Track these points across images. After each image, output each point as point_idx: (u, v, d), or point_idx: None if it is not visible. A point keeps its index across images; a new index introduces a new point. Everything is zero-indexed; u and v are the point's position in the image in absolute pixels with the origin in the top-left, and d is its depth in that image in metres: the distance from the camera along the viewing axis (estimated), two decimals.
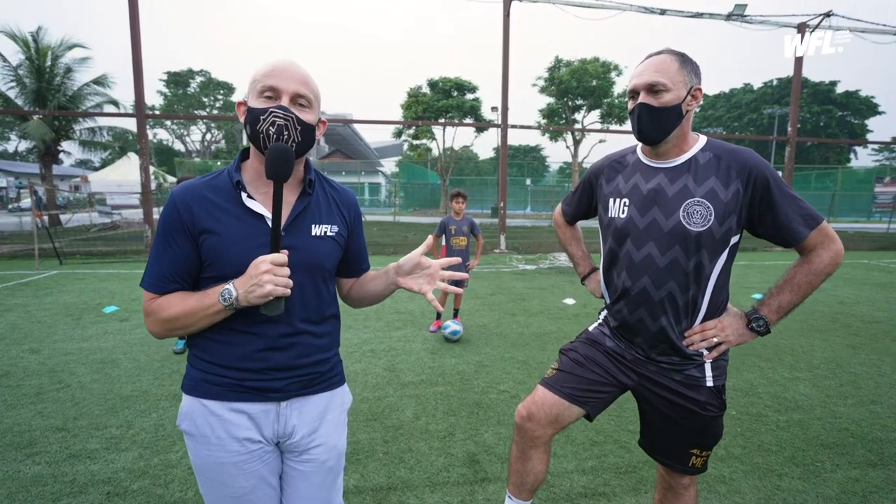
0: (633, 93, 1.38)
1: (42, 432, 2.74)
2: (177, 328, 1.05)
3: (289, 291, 1.01)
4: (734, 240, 1.37)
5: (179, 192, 1.07)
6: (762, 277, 8.39)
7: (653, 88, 1.33)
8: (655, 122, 1.35)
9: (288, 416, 1.14)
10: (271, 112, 1.00)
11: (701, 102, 1.38)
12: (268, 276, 0.98)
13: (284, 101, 1.02)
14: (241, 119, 1.08)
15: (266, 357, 1.09)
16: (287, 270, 1.01)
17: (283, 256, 1.00)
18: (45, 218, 11.78)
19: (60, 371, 3.69)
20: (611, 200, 1.51)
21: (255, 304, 1.00)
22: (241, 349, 1.08)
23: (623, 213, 1.45)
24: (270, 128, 1.00)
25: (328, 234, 1.15)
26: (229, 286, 1.00)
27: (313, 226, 1.13)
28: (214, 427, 1.08)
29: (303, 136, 1.05)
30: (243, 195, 1.07)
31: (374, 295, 1.29)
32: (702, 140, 1.42)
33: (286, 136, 1.02)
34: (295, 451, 1.17)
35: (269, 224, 1.06)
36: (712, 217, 1.31)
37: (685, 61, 1.35)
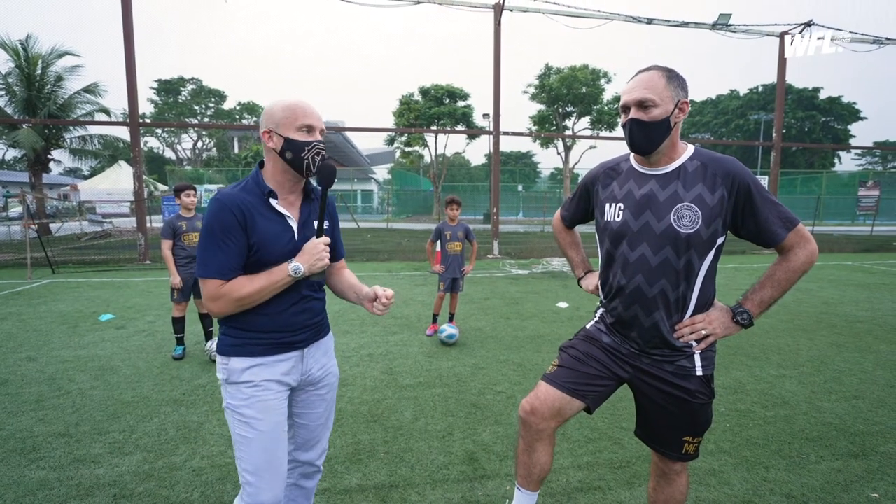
0: (625, 108, 1.49)
1: (45, 438, 2.76)
2: (247, 304, 1.36)
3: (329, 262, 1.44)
4: (720, 240, 1.48)
5: (229, 198, 1.35)
6: (751, 280, 8.56)
7: (642, 104, 1.43)
8: (646, 135, 1.45)
9: (308, 358, 1.53)
10: (314, 145, 1.41)
11: (687, 114, 1.49)
12: (325, 252, 1.41)
13: (317, 135, 1.42)
14: (270, 143, 1.41)
15: (292, 320, 1.47)
16: (328, 249, 1.43)
17: (328, 239, 1.43)
18: (34, 227, 11.67)
19: (59, 378, 3.71)
20: (607, 205, 1.61)
21: (314, 273, 1.41)
22: (278, 318, 1.44)
23: (618, 216, 1.55)
24: (316, 156, 1.41)
25: (325, 227, 1.50)
26: (296, 263, 1.38)
27: (314, 222, 1.49)
28: (258, 374, 1.42)
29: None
30: (273, 201, 1.41)
31: (346, 298, 1.66)
32: (690, 149, 1.52)
33: (321, 158, 1.43)
34: (314, 382, 1.57)
35: (290, 222, 1.44)
36: (700, 220, 1.42)
37: (672, 77, 1.45)
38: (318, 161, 1.41)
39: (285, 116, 1.39)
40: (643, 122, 1.44)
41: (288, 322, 1.46)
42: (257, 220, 1.36)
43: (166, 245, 4.10)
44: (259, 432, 1.40)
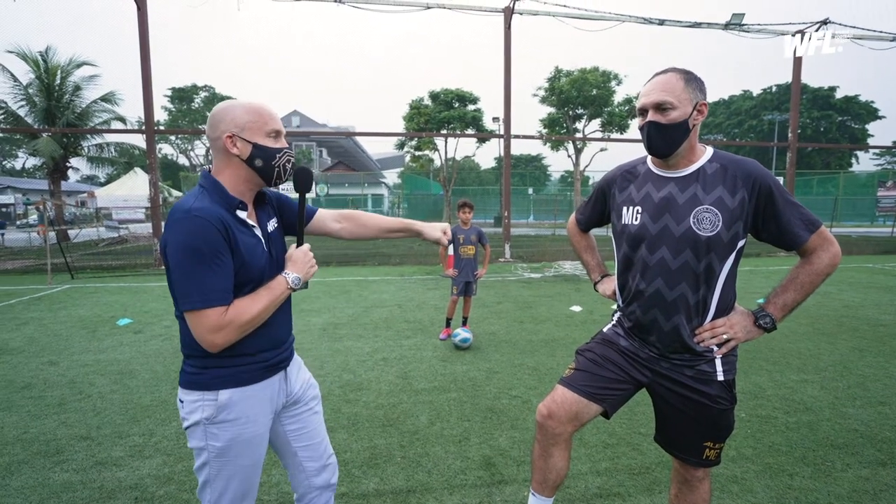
0: (643, 111, 1.48)
1: (68, 441, 2.81)
2: (252, 326, 1.24)
3: None
4: (741, 243, 1.46)
5: (209, 213, 1.17)
6: (767, 282, 8.42)
7: (660, 107, 1.42)
8: (664, 138, 1.44)
9: (290, 376, 1.46)
10: (286, 152, 1.33)
11: (706, 116, 1.47)
12: (313, 259, 1.39)
13: (284, 142, 1.33)
14: (234, 150, 1.26)
15: (280, 336, 1.39)
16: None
17: (308, 245, 1.40)
18: (52, 234, 11.92)
19: (80, 382, 3.77)
20: (624, 208, 1.59)
21: (306, 280, 1.35)
22: (269, 335, 1.34)
23: (636, 220, 1.54)
24: (287, 164, 1.34)
25: (274, 226, 1.42)
26: (293, 275, 1.33)
27: (268, 224, 1.40)
28: (254, 406, 1.31)
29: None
30: (242, 213, 1.29)
31: (391, 236, 1.67)
32: (709, 151, 1.51)
33: (292, 165, 1.37)
34: (300, 401, 1.49)
35: (258, 233, 1.32)
36: (720, 223, 1.40)
37: (690, 79, 1.44)
38: (288, 168, 1.34)
39: (252, 120, 1.26)
40: (661, 125, 1.43)
41: (277, 339, 1.37)
42: (238, 236, 1.22)
43: None
44: (241, 467, 1.30)
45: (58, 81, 17.02)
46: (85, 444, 2.77)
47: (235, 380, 1.27)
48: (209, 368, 1.25)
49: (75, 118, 17.32)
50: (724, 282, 1.46)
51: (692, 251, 1.43)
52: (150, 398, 3.45)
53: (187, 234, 1.13)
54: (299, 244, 1.39)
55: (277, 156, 1.30)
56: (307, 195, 1.43)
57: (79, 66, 17.28)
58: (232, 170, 1.28)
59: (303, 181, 1.38)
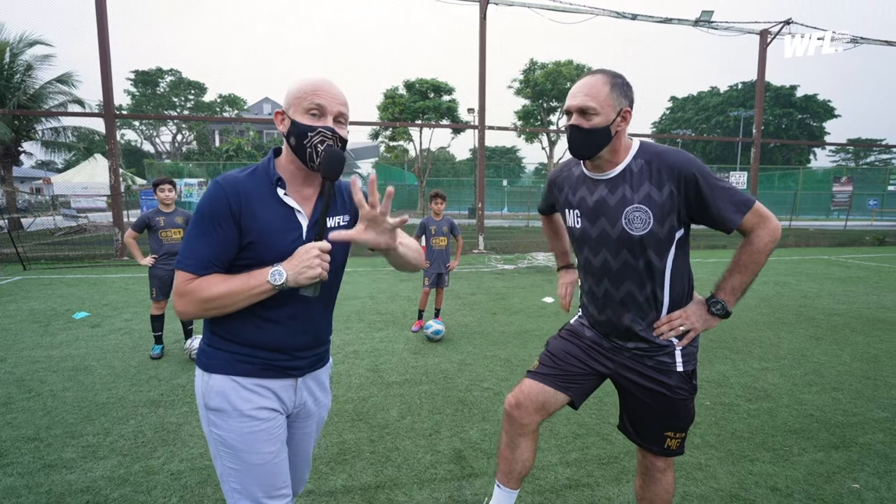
0: (568, 112, 1.48)
1: (13, 443, 2.64)
2: (214, 308, 1.12)
3: (327, 275, 1.14)
4: (679, 235, 1.46)
5: (226, 181, 1.15)
6: None
7: (583, 111, 1.43)
8: (586, 142, 1.45)
9: (303, 389, 1.31)
10: (319, 132, 1.15)
11: (630, 122, 1.46)
12: (318, 259, 1.10)
13: (329, 121, 1.17)
14: (280, 127, 1.20)
15: (294, 340, 1.24)
16: (328, 256, 1.13)
17: (327, 244, 1.13)
18: (2, 222, 11.20)
19: (29, 380, 3.56)
20: (566, 210, 1.62)
21: (302, 286, 1.11)
22: (275, 334, 1.21)
23: (577, 223, 1.57)
24: (319, 145, 1.16)
25: (341, 224, 1.28)
26: (279, 268, 1.10)
27: (328, 218, 1.24)
28: (248, 399, 1.20)
29: (342, 149, 1.21)
30: (281, 191, 1.18)
31: (407, 262, 1.32)
32: (634, 146, 1.49)
33: (325, 147, 1.17)
34: (302, 414, 1.35)
35: (300, 217, 1.19)
36: (651, 220, 1.41)
37: (616, 84, 1.42)
38: (320, 151, 1.16)
39: (296, 96, 1.16)
40: (583, 129, 1.44)
41: (284, 341, 1.22)
42: (258, 211, 1.14)
43: (130, 234, 4.06)
44: (252, 465, 1.19)
45: (7, 60, 15.97)
46: (32, 446, 2.61)
47: (230, 368, 1.19)
48: (211, 347, 1.22)
49: (27, 100, 16.31)
50: (671, 275, 1.48)
51: (629, 251, 1.45)
52: (107, 395, 3.29)
53: (204, 197, 1.14)
54: (318, 239, 1.16)
55: (309, 134, 1.14)
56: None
57: (31, 44, 16.24)
58: (284, 148, 1.23)
59: (329, 165, 1.14)
